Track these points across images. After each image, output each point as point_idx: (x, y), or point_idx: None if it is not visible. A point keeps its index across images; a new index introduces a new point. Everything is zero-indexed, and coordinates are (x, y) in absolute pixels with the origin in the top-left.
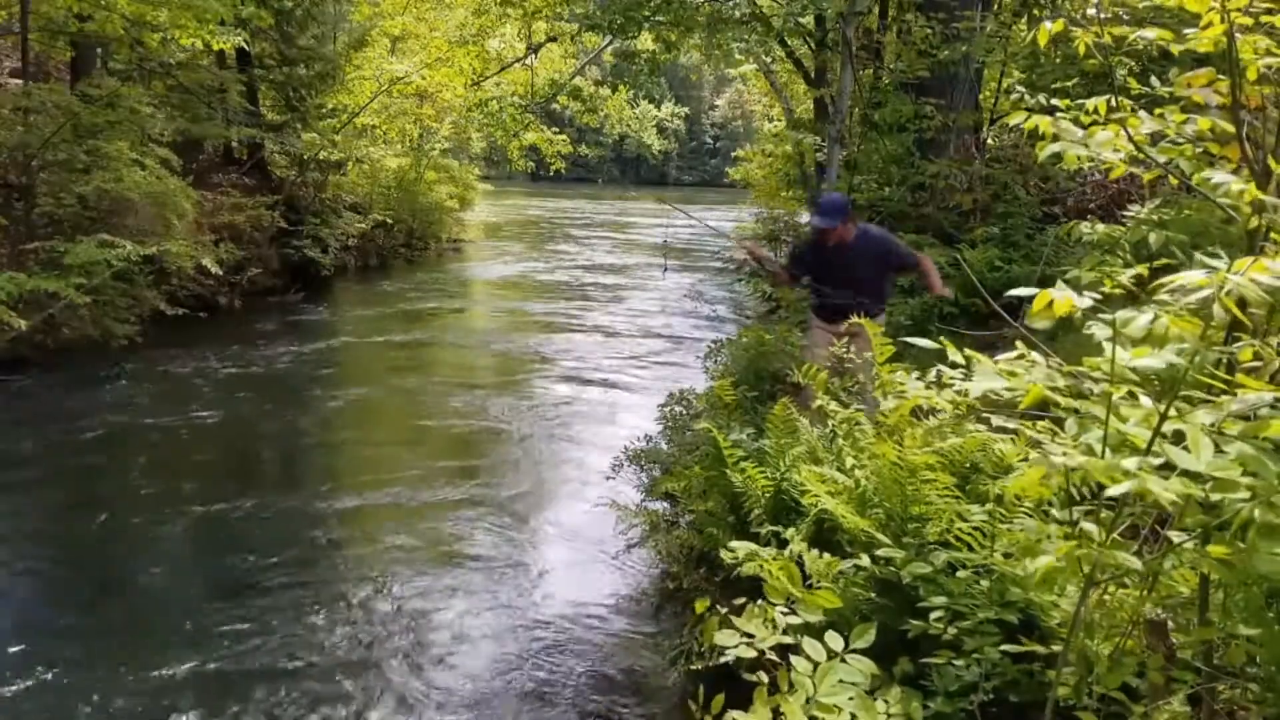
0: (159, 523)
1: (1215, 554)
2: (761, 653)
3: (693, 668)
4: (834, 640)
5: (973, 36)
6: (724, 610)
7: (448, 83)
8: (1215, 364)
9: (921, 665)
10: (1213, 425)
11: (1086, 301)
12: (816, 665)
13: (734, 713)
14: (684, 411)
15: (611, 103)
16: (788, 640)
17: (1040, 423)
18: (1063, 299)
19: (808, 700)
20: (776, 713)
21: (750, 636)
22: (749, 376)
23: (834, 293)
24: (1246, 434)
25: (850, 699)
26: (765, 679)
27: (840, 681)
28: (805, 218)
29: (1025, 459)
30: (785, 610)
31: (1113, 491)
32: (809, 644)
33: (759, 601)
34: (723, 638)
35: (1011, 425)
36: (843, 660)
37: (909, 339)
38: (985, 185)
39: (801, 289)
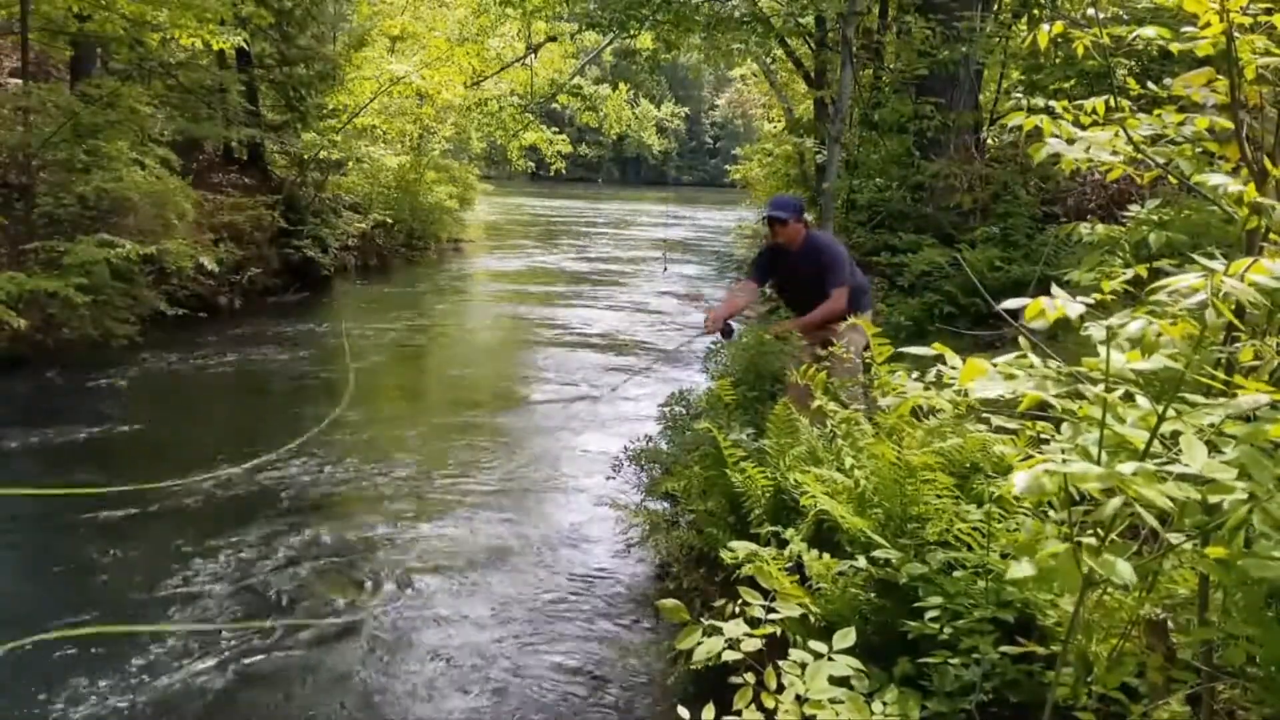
0: (157, 521)
1: (1214, 555)
2: (745, 654)
3: (692, 667)
4: (818, 644)
5: (973, 36)
6: (725, 603)
7: (447, 82)
8: (1214, 364)
9: (921, 665)
10: (1211, 426)
11: (1079, 308)
12: (804, 666)
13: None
14: (684, 411)
15: (611, 102)
16: (758, 645)
17: (1041, 423)
18: (1054, 308)
19: (798, 699)
20: (771, 715)
21: (734, 640)
22: (749, 376)
23: (792, 306)
24: (1245, 437)
25: (839, 701)
26: (751, 679)
27: (830, 680)
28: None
29: (1025, 459)
30: (765, 608)
31: (1109, 508)
32: (795, 652)
33: (739, 602)
34: (706, 648)
35: (1012, 425)
36: (829, 659)
37: (905, 349)
38: (985, 185)
39: (766, 298)
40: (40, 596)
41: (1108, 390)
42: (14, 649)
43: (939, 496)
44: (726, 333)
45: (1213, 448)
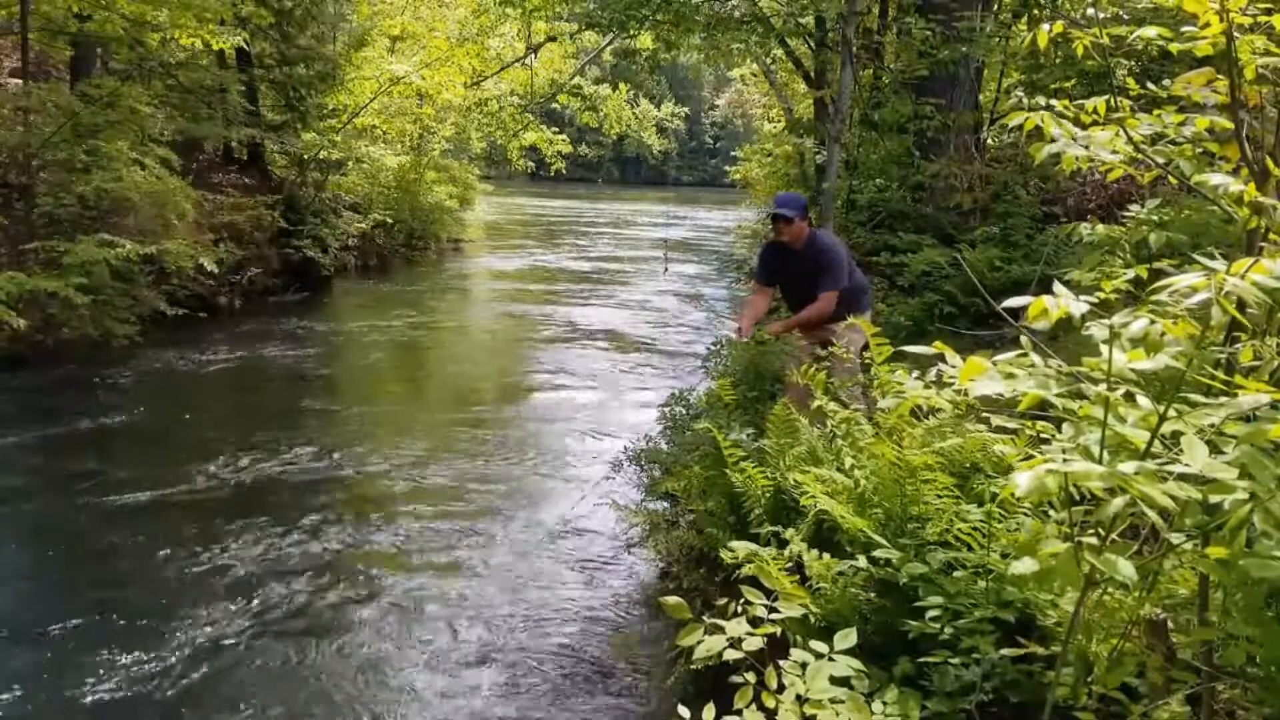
0: (155, 521)
1: (1214, 555)
2: (747, 654)
3: (692, 666)
4: (819, 644)
5: (973, 36)
6: (727, 603)
7: (447, 82)
8: (1214, 364)
9: (921, 665)
10: (1212, 426)
11: (1083, 307)
12: (805, 666)
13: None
14: (684, 412)
15: (611, 102)
16: (759, 645)
17: (1041, 423)
18: (1057, 307)
19: (799, 699)
20: (771, 715)
21: (735, 639)
22: (749, 376)
23: (791, 303)
24: (1246, 437)
25: (840, 701)
26: (752, 678)
27: (831, 680)
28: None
29: (1026, 459)
30: (767, 607)
31: (1113, 507)
32: (796, 652)
33: (740, 601)
34: (707, 645)
35: (1012, 425)
36: (830, 659)
37: (905, 349)
38: (985, 185)
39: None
40: (42, 588)
41: (1109, 390)
42: (17, 638)
43: (939, 496)
44: None
45: (1213, 448)
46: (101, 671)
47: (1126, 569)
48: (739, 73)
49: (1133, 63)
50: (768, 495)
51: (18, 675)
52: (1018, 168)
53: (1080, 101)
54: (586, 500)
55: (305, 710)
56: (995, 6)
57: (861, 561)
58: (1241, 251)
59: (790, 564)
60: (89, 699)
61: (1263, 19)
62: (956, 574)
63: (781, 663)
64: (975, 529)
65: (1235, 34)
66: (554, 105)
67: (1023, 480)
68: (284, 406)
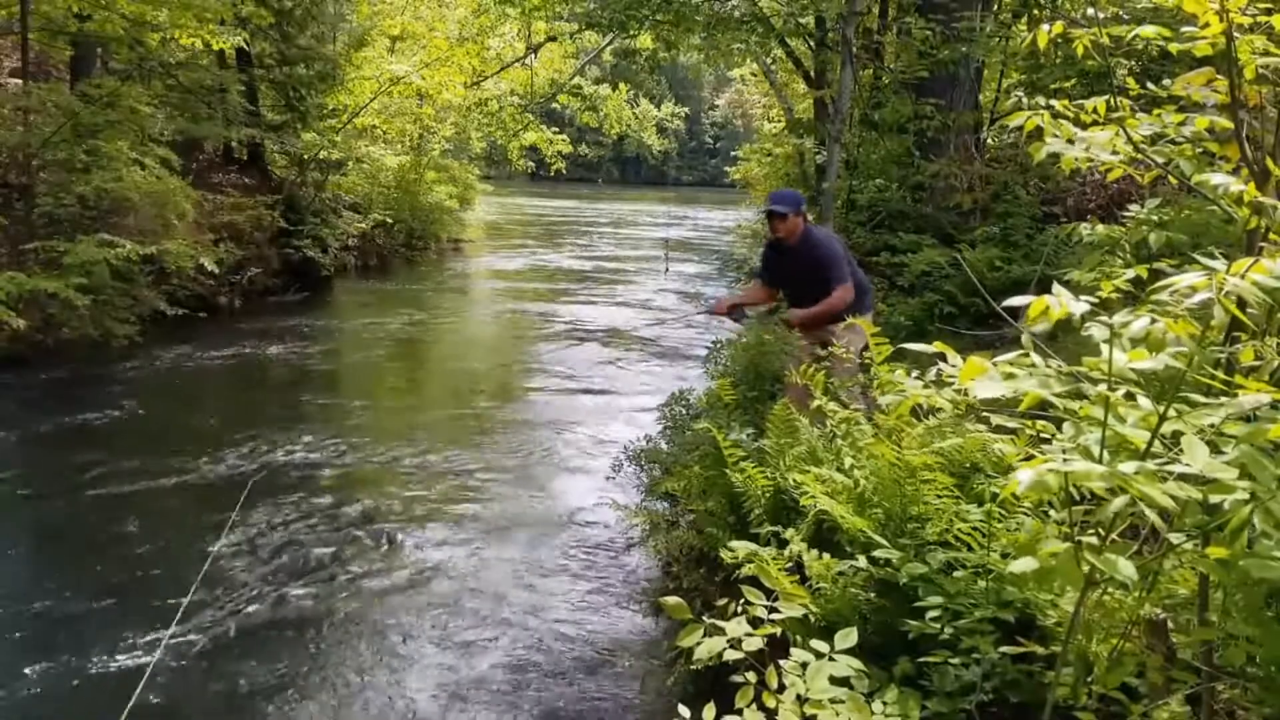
0: (158, 514)
1: (1214, 554)
2: (747, 654)
3: (692, 667)
4: (819, 644)
5: (973, 36)
6: (727, 603)
7: (447, 82)
8: (1215, 364)
9: (921, 665)
10: (1212, 426)
11: (1083, 307)
12: (805, 665)
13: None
14: (684, 411)
15: (611, 102)
16: (759, 645)
17: (1041, 423)
18: (1058, 306)
19: (799, 699)
20: (772, 714)
21: (736, 639)
22: (749, 376)
23: (792, 302)
24: (1245, 437)
25: (840, 701)
26: (753, 678)
27: (831, 680)
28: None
29: (1026, 458)
30: (767, 607)
31: (1114, 507)
32: (796, 652)
33: (740, 601)
34: (707, 646)
35: (1012, 425)
36: (830, 659)
37: (905, 346)
38: (985, 185)
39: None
40: (46, 579)
41: (1109, 390)
42: (24, 627)
43: (939, 496)
44: (736, 317)
45: (1213, 448)
46: (112, 653)
47: (1126, 569)
48: (739, 73)
49: (1133, 63)
50: (768, 495)
51: (24, 660)
52: (1018, 168)
53: (1080, 101)
54: (587, 499)
55: (316, 681)
56: (995, 6)
57: (861, 561)
58: (1241, 251)
59: (790, 564)
60: (99, 680)
61: (1263, 19)
62: (956, 574)
63: (782, 662)
64: (975, 529)
65: (1235, 34)
66: (554, 105)
67: (1024, 478)
68: (286, 404)
